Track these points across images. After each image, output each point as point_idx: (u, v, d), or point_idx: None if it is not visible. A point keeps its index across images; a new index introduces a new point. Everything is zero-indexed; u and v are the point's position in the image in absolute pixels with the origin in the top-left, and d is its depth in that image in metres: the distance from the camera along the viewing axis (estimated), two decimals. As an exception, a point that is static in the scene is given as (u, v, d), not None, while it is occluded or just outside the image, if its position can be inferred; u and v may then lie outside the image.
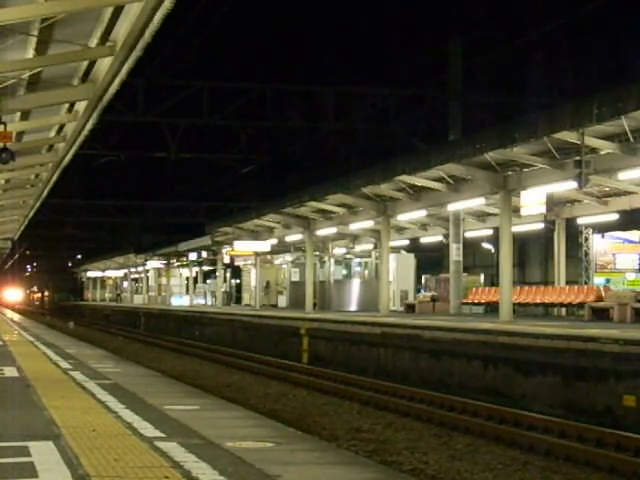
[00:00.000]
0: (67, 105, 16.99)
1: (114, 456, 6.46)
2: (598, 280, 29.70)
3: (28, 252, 72.62)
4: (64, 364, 15.12)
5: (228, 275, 58.98)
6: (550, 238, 32.04)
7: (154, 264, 63.39)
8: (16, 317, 51.17)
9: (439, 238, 35.88)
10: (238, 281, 59.63)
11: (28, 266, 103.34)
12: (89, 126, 17.96)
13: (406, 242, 39.07)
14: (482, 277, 40.09)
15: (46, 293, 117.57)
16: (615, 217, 27.44)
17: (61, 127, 19.23)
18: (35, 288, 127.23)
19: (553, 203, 22.94)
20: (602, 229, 29.99)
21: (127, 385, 11.64)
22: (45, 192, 29.32)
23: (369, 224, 32.32)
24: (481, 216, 32.19)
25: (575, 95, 27.67)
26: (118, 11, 11.47)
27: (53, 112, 17.58)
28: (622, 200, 25.70)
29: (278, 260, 48.54)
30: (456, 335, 18.29)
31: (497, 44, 33.88)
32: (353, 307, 38.58)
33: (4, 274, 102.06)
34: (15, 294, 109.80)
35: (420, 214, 29.10)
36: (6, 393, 10.47)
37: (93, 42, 12.77)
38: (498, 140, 20.10)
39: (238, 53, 49.32)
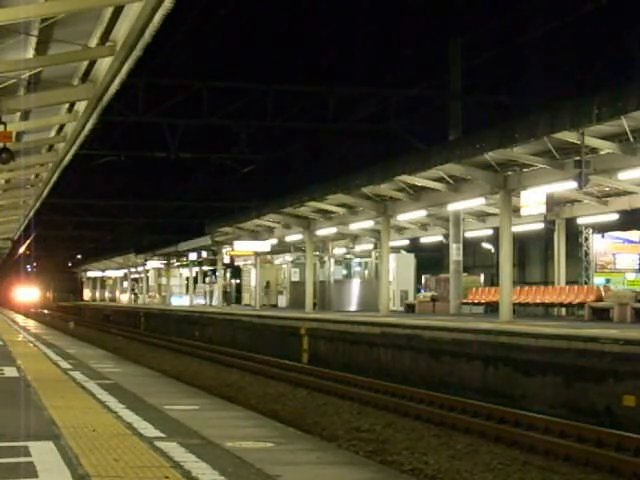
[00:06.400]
0: (67, 105, 16.98)
1: (114, 456, 6.46)
2: (598, 280, 29.69)
3: (28, 252, 72.57)
4: (64, 364, 15.12)
5: (228, 275, 58.99)
6: (550, 238, 32.05)
7: (154, 264, 63.40)
8: (17, 317, 51.10)
9: (439, 238, 35.88)
10: (238, 281, 59.61)
11: (28, 266, 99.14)
12: (89, 126, 17.95)
13: (406, 242, 39.08)
14: (482, 277, 40.09)
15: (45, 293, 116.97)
16: (615, 217, 27.45)
17: (61, 127, 19.22)
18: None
19: (553, 203, 22.95)
20: (602, 229, 29.98)
21: (127, 385, 11.64)
22: (45, 192, 29.31)
23: (369, 224, 32.32)
24: (481, 216, 32.19)
25: (575, 95, 27.67)
26: (118, 11, 11.46)
27: (53, 112, 17.57)
28: (622, 200, 25.71)
29: (278, 260, 48.54)
30: (456, 335, 18.29)
31: (497, 44, 33.88)
32: (353, 307, 38.57)
33: (13, 271, 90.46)
34: (29, 293, 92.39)
35: (420, 214, 29.10)
36: (6, 393, 10.47)
37: (93, 42, 12.76)
38: (498, 140, 20.10)
39: (238, 53, 49.34)
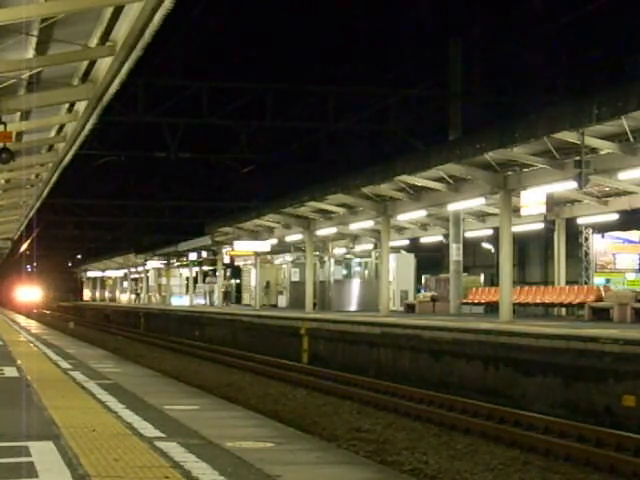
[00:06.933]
0: (67, 105, 16.99)
1: (114, 456, 6.47)
2: (598, 280, 29.69)
3: (28, 252, 72.57)
4: (64, 364, 15.12)
5: (228, 275, 59.01)
6: (550, 238, 32.05)
7: (154, 264, 63.40)
8: (17, 318, 51.06)
9: (439, 238, 35.88)
10: (238, 281, 59.63)
11: (28, 266, 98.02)
12: (89, 126, 17.95)
13: (406, 242, 39.08)
14: (482, 277, 40.09)
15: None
16: (615, 217, 27.44)
17: (61, 127, 19.22)
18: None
19: (553, 203, 22.95)
20: (602, 229, 29.99)
21: (127, 385, 11.64)
22: (45, 192, 29.31)
23: (369, 224, 32.32)
24: (481, 216, 32.19)
25: (575, 95, 27.68)
26: (118, 11, 11.46)
27: (53, 112, 17.57)
28: (622, 200, 25.70)
29: (278, 260, 48.54)
30: (456, 335, 18.29)
31: (497, 44, 33.90)
32: (353, 307, 38.57)
33: (14, 271, 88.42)
34: (30, 293, 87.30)
35: (420, 214, 29.10)
36: (6, 393, 10.48)
37: (93, 42, 12.76)
38: (498, 140, 20.10)
39: (238, 53, 49.31)
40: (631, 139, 18.14)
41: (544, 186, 21.41)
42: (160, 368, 21.43)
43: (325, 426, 13.96)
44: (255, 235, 40.90)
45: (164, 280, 66.66)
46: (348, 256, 41.50)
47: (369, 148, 42.03)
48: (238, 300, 57.33)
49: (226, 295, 52.19)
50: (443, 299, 32.90)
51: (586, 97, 17.44)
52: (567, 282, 29.33)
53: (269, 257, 47.83)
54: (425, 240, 37.82)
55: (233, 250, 42.51)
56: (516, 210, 23.08)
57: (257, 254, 42.00)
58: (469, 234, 33.41)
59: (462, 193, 24.87)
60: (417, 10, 39.21)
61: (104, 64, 13.55)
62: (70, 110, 17.29)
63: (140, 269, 69.43)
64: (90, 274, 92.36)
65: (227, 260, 47.19)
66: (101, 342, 32.37)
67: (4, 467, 6.00)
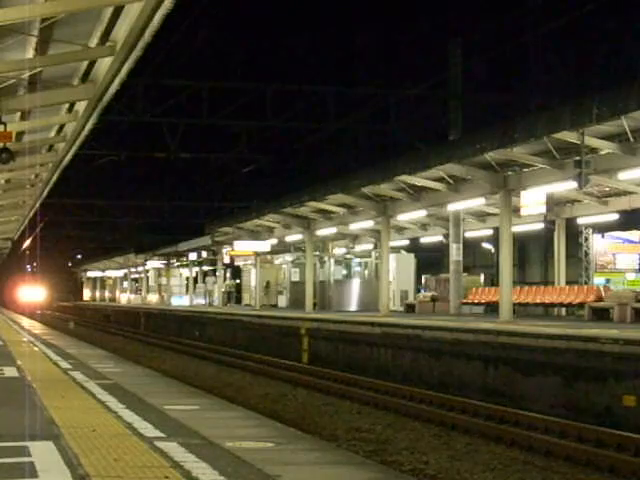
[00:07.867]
0: (67, 105, 16.99)
1: (114, 456, 6.46)
2: (598, 280, 29.70)
3: (28, 252, 72.41)
4: (64, 364, 15.12)
5: (228, 275, 59.01)
6: (550, 238, 32.05)
7: (154, 264, 63.37)
8: (17, 318, 51.05)
9: (439, 238, 35.88)
10: (238, 281, 59.61)
11: (28, 266, 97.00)
12: (89, 126, 17.95)
13: (406, 242, 39.08)
14: (482, 277, 40.09)
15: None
16: (615, 217, 27.45)
17: (61, 127, 19.22)
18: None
19: (553, 203, 22.96)
20: (602, 229, 30.00)
21: (127, 385, 11.64)
22: (45, 192, 29.31)
23: (369, 224, 32.32)
24: (481, 216, 32.19)
25: (575, 95, 27.66)
26: (118, 11, 11.47)
27: (53, 112, 17.57)
28: (622, 200, 25.70)
29: (278, 260, 48.53)
30: (456, 335, 18.29)
31: (497, 44, 33.91)
32: (353, 307, 38.56)
33: (14, 271, 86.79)
34: (32, 294, 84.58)
35: (420, 214, 29.09)
36: (6, 393, 10.48)
37: (93, 42, 12.77)
38: (498, 140, 20.10)
39: (238, 53, 49.34)
40: (631, 139, 18.15)
41: (544, 186, 21.41)
42: (160, 368, 21.44)
43: (325, 426, 13.96)
44: (255, 235, 40.89)
45: (164, 280, 66.65)
46: (348, 256, 41.49)
47: (369, 148, 42.03)
48: (238, 300, 57.29)
49: (228, 296, 52.19)
50: (443, 299, 32.88)
51: (586, 97, 17.44)
52: (567, 282, 29.33)
53: (269, 257, 47.82)
54: (425, 240, 37.82)
55: (233, 250, 42.51)
56: (516, 210, 23.08)
57: (257, 254, 41.99)
58: (469, 234, 33.40)
59: (462, 193, 24.87)
60: (417, 10, 39.22)
61: (104, 64, 13.56)
62: (70, 110, 17.29)
63: (140, 269, 69.42)
64: (90, 274, 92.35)
65: (227, 260, 47.19)
66: (101, 342, 32.36)
67: (4, 467, 6.00)
